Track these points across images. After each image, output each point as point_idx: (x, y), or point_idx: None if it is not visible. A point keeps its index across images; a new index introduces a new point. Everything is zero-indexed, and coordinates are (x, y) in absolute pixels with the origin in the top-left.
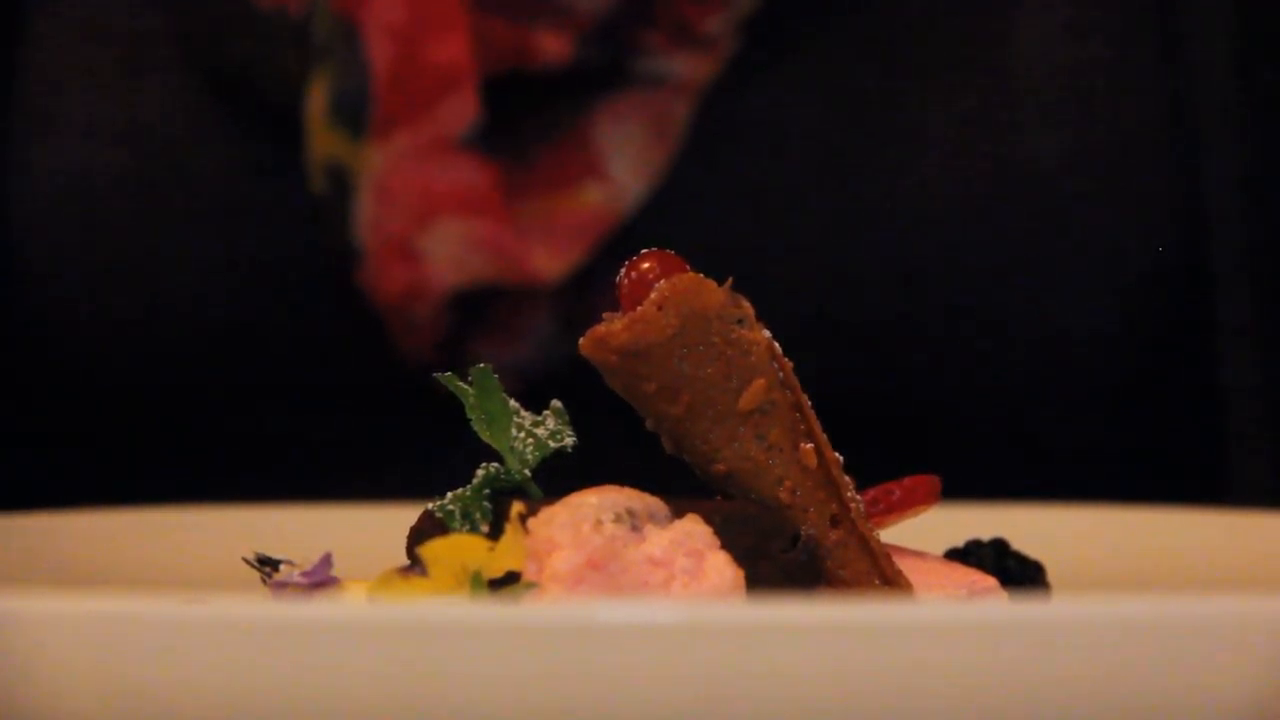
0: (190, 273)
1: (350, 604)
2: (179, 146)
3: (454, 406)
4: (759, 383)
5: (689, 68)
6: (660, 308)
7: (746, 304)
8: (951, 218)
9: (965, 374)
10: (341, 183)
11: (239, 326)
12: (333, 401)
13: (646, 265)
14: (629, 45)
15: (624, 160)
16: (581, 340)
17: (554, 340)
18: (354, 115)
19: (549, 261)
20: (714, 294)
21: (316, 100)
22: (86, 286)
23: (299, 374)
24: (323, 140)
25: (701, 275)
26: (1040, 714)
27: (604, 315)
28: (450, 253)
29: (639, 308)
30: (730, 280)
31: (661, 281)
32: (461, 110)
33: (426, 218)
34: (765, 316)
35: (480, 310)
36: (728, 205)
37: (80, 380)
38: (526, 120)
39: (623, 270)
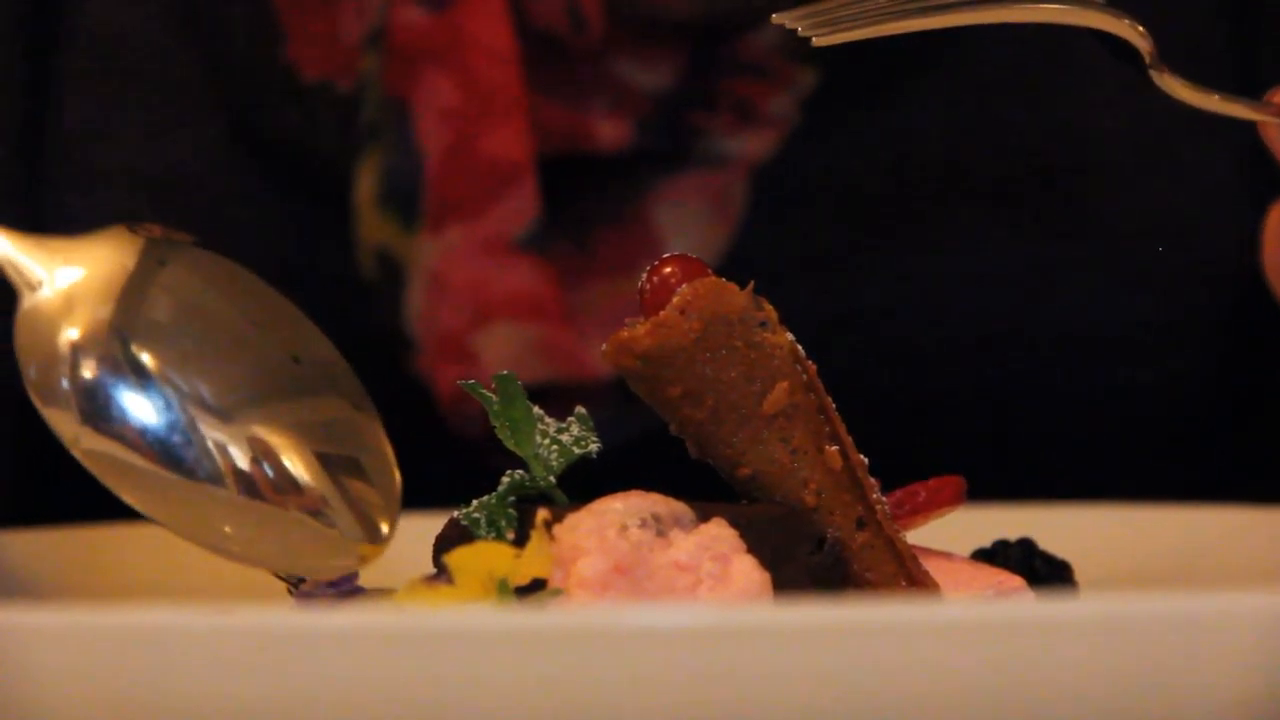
0: None
1: (377, 613)
2: (222, 200)
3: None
4: (782, 385)
5: (750, 146)
6: (682, 312)
7: (769, 307)
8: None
9: (990, 374)
10: (393, 269)
11: None
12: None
13: (668, 270)
14: (690, 128)
15: (685, 242)
16: (604, 345)
17: (613, 423)
18: (405, 203)
19: None
20: (736, 297)
21: (365, 183)
22: None
23: None
24: (371, 225)
25: (723, 279)
26: (1069, 713)
27: (626, 320)
28: (506, 354)
29: (661, 312)
30: (752, 284)
31: (683, 286)
32: (521, 209)
33: (482, 319)
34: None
35: (538, 403)
36: (790, 279)
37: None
38: (584, 203)
39: (644, 275)
